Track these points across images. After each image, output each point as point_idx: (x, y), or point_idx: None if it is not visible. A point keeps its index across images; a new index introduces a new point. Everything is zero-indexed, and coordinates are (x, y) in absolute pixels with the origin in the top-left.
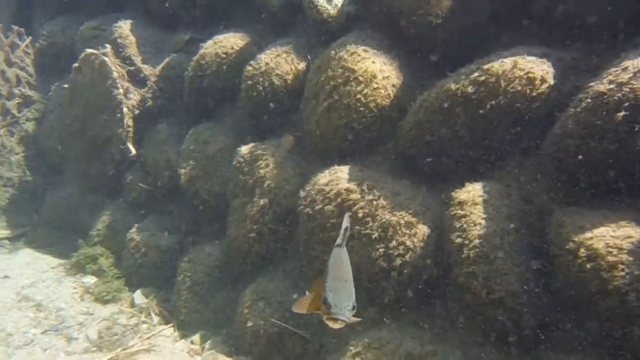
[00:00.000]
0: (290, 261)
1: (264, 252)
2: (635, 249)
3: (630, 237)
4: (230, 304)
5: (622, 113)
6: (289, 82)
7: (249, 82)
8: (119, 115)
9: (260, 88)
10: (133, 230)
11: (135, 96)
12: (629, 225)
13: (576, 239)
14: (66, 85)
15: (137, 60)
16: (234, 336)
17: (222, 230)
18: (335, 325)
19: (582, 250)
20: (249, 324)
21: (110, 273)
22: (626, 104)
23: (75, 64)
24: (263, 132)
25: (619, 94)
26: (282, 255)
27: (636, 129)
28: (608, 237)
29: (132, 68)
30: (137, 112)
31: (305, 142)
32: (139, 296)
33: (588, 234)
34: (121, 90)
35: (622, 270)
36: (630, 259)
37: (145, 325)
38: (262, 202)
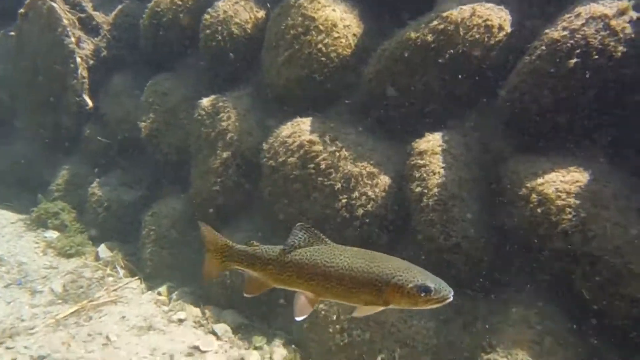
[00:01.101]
0: (255, 213)
1: (228, 204)
2: (583, 192)
3: (578, 181)
4: (196, 256)
5: (574, 60)
6: (249, 31)
7: (207, 31)
8: (72, 65)
9: (219, 37)
10: (94, 184)
11: (88, 45)
12: (578, 170)
13: (529, 185)
14: (12, 33)
15: (88, 6)
16: (201, 287)
17: (185, 184)
18: (437, 306)
19: (533, 195)
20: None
21: (73, 227)
22: (578, 50)
23: (21, 10)
24: (224, 83)
25: (572, 41)
26: (247, 207)
27: (587, 75)
28: (558, 182)
29: (82, 15)
30: (91, 62)
31: (267, 93)
32: (103, 250)
33: (540, 180)
34: (73, 39)
35: (570, 213)
36: (577, 202)
37: (111, 279)
38: (225, 154)
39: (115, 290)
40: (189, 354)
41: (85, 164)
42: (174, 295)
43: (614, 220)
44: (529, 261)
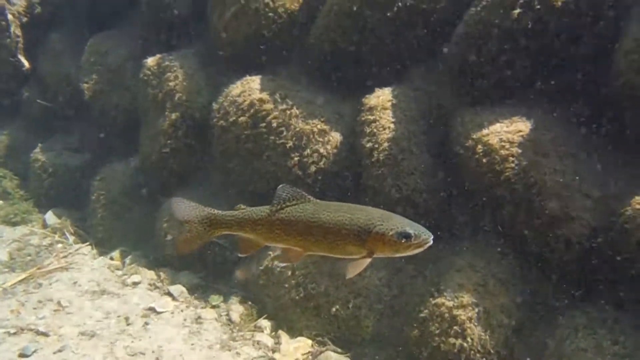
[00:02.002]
0: (207, 174)
1: (179, 166)
2: (524, 141)
3: (521, 131)
4: (148, 220)
5: (518, 10)
6: None
7: None
8: (3, 23)
9: None
10: (37, 150)
11: (20, 2)
12: (521, 120)
13: (474, 136)
14: None
15: None
16: (154, 251)
17: (134, 147)
18: (418, 251)
19: (479, 146)
20: (169, 237)
21: (17, 195)
22: (521, 1)
23: None
24: (169, 41)
25: None
26: (199, 169)
27: (529, 26)
28: (502, 132)
29: None
30: (24, 19)
31: (215, 51)
32: (51, 217)
33: (485, 131)
34: None
35: (512, 162)
36: (520, 151)
37: (60, 245)
38: (174, 116)
39: (65, 256)
40: (145, 315)
41: (25, 128)
42: (127, 260)
43: (552, 166)
44: (476, 210)
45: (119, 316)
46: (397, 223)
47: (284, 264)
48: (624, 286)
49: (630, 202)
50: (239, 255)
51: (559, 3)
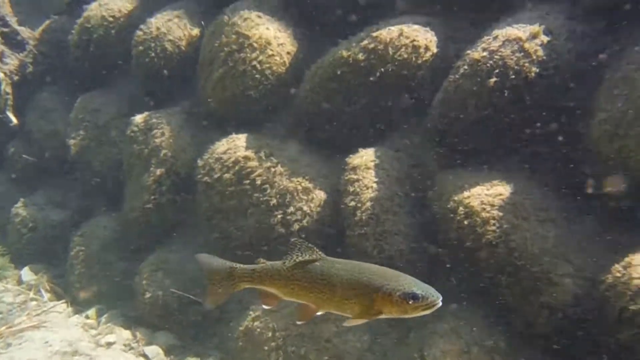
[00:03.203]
0: (190, 231)
1: (162, 222)
2: (505, 205)
3: (501, 194)
4: (128, 277)
5: (494, 79)
6: (183, 48)
7: (140, 47)
8: None
9: (153, 54)
10: (19, 204)
11: (12, 61)
12: (500, 184)
13: (456, 198)
14: None
15: (12, 21)
16: (132, 309)
17: (118, 203)
18: (426, 313)
19: (460, 208)
20: (147, 295)
21: None
22: (497, 70)
23: None
24: (158, 100)
25: (491, 61)
26: (181, 225)
27: (505, 94)
28: (483, 195)
29: (6, 29)
30: (15, 78)
31: (202, 110)
32: (27, 273)
33: (466, 193)
34: None
35: (494, 224)
36: (501, 214)
37: (34, 303)
38: (158, 172)
39: (38, 314)
40: None
41: (9, 183)
42: (102, 318)
43: (533, 230)
44: (459, 272)
45: None
46: (405, 283)
47: (300, 322)
48: (607, 356)
49: (611, 269)
50: (263, 306)
51: (532, 74)
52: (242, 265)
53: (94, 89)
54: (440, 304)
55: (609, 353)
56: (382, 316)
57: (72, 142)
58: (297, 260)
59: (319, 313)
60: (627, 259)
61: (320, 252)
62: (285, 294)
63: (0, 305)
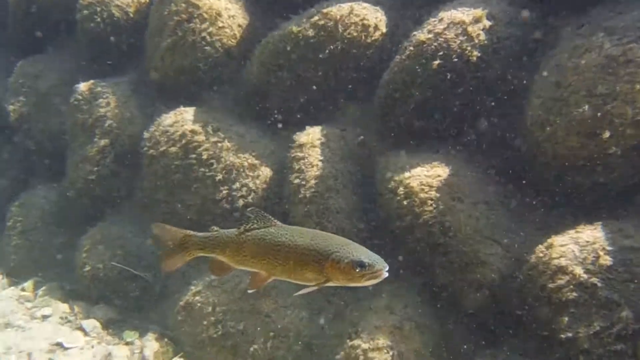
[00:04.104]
0: (134, 204)
1: (105, 195)
2: (442, 186)
3: (439, 175)
4: (67, 250)
5: (437, 61)
6: (131, 15)
7: (85, 11)
8: None
9: (99, 19)
10: None
11: None
12: (440, 165)
13: (397, 178)
14: None
15: None
16: (71, 282)
17: (59, 173)
18: (373, 282)
19: (400, 188)
20: (87, 268)
21: None
22: (441, 52)
23: None
24: (103, 68)
25: (435, 43)
26: (125, 198)
27: (448, 76)
28: (422, 176)
29: None
30: None
31: (150, 80)
32: None
33: (407, 174)
34: None
35: (431, 205)
36: (438, 195)
37: None
38: (102, 142)
39: None
40: (50, 351)
41: None
42: (40, 291)
43: (467, 212)
44: (396, 251)
45: (20, 351)
46: (354, 251)
47: (252, 290)
48: (528, 334)
49: (534, 249)
50: (212, 276)
51: (474, 58)
52: (195, 233)
53: (36, 53)
54: (387, 274)
55: (528, 328)
56: (330, 284)
57: (11, 108)
58: (251, 227)
59: (269, 280)
60: (549, 240)
61: (275, 221)
62: (237, 262)
63: None
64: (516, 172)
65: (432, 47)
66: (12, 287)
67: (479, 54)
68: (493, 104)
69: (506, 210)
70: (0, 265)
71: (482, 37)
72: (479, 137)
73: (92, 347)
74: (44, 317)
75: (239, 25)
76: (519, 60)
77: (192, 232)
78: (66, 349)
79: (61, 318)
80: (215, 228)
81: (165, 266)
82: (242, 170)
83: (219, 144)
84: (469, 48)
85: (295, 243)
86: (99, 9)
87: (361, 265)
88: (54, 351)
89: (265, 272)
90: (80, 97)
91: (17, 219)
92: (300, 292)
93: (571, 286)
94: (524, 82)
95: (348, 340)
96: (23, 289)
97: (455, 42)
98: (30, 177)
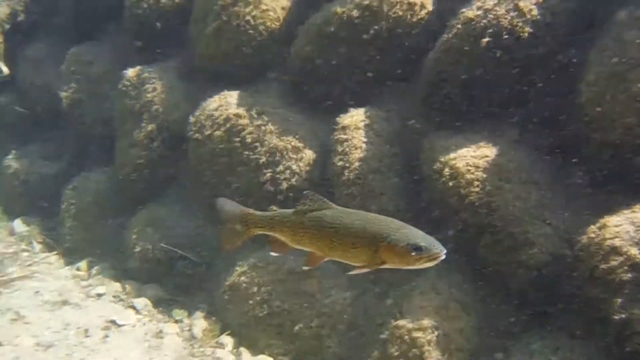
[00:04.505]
0: (181, 187)
1: (153, 178)
2: (490, 166)
3: (486, 156)
4: (118, 231)
5: (487, 39)
6: (177, 0)
7: None
8: None
9: (145, 5)
10: (10, 156)
11: (3, 9)
12: (487, 145)
13: (442, 159)
14: None
15: None
16: (122, 262)
17: (109, 157)
18: (429, 265)
19: (446, 169)
20: (137, 248)
21: None
22: (490, 30)
23: None
24: (150, 53)
25: (485, 20)
26: (172, 181)
27: (497, 54)
28: (469, 156)
29: None
30: (7, 26)
31: (194, 65)
32: (19, 224)
33: (452, 155)
34: None
35: (477, 186)
36: (484, 176)
37: (26, 254)
38: (150, 127)
39: (29, 265)
40: (105, 328)
41: (0, 135)
42: (93, 270)
43: (515, 192)
44: (441, 232)
45: (78, 328)
46: (410, 235)
47: (306, 267)
48: (578, 314)
49: (586, 230)
50: (272, 254)
51: (526, 35)
52: (255, 212)
53: (86, 40)
54: (444, 256)
55: (578, 309)
56: (385, 266)
57: (63, 94)
58: (308, 209)
59: (324, 260)
60: (602, 220)
61: (330, 203)
62: (294, 241)
63: None
64: (567, 151)
65: (481, 24)
66: (68, 267)
67: (531, 30)
68: (544, 81)
69: (556, 190)
70: (57, 245)
71: (535, 12)
72: (528, 116)
73: (144, 324)
74: (98, 296)
75: (282, 8)
76: (574, 35)
77: (252, 211)
78: (120, 325)
79: (114, 297)
80: (274, 208)
81: (225, 243)
82: (285, 153)
83: (263, 127)
84: (520, 24)
85: (351, 225)
86: None
87: (418, 248)
88: (109, 328)
89: (321, 253)
90: (128, 82)
91: (71, 201)
92: (353, 272)
93: (625, 267)
94: (578, 58)
95: (392, 321)
96: (78, 269)
97: (505, 18)
98: (83, 161)
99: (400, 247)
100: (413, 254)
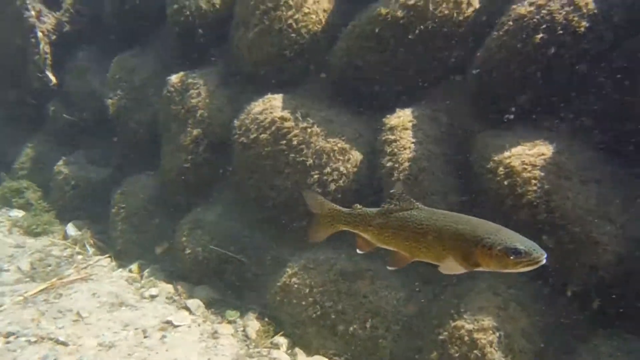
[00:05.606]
0: (227, 190)
1: (199, 182)
2: (547, 165)
3: (543, 154)
4: (167, 234)
5: (540, 35)
6: (218, 6)
7: (175, 5)
8: (33, 40)
9: (187, 13)
10: (60, 163)
11: (50, 20)
12: (543, 143)
13: (496, 158)
14: None
15: None
16: (172, 264)
17: (155, 161)
18: (529, 269)
19: (500, 168)
20: (188, 251)
21: (39, 206)
22: (544, 26)
23: None
24: (193, 59)
25: (538, 16)
26: (219, 184)
27: (552, 51)
28: (524, 155)
29: None
30: (53, 37)
31: (237, 70)
32: (71, 228)
33: (507, 153)
34: (33, 13)
35: (535, 185)
36: (542, 174)
37: (80, 257)
38: (195, 132)
39: (85, 268)
40: (162, 329)
41: (50, 142)
42: (145, 272)
43: (575, 191)
44: None
45: (136, 328)
46: (507, 237)
47: (392, 268)
48: None
49: None
50: (358, 251)
51: (582, 29)
52: (341, 208)
53: (130, 48)
54: (545, 260)
55: None
56: (479, 269)
57: (110, 102)
58: (394, 209)
59: (411, 261)
60: None
61: (417, 203)
62: (379, 240)
63: (50, 258)
64: (630, 148)
65: (534, 20)
66: (121, 269)
67: (587, 24)
68: (604, 76)
69: (619, 188)
70: (109, 248)
71: (591, 5)
72: (588, 112)
73: (199, 325)
74: (152, 297)
75: (324, 10)
76: (634, 27)
77: (338, 207)
78: (176, 326)
79: (167, 298)
80: (359, 206)
81: (312, 236)
82: (332, 154)
83: (309, 130)
84: (575, 19)
85: (441, 227)
86: (187, 2)
87: (516, 252)
88: (165, 328)
89: (408, 254)
90: (172, 88)
91: (120, 205)
92: (445, 272)
93: None
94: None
95: (450, 321)
96: (130, 271)
97: (560, 13)
98: (129, 166)
99: (498, 251)
100: (512, 257)
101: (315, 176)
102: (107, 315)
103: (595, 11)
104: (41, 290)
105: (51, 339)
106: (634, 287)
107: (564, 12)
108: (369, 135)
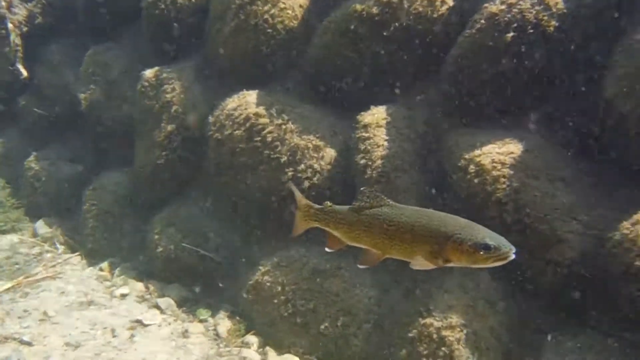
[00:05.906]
0: (201, 187)
1: (173, 178)
2: (516, 163)
3: (512, 152)
4: (139, 231)
5: (511, 34)
6: (194, 0)
7: None
8: (3, 31)
9: (163, 6)
10: (31, 158)
11: (21, 11)
12: (512, 142)
13: (467, 156)
14: None
15: None
16: (144, 262)
17: (129, 158)
18: (498, 264)
19: (471, 166)
20: (160, 249)
21: (8, 203)
22: (514, 24)
23: None
24: (168, 54)
25: (509, 15)
26: (193, 181)
27: (522, 49)
28: (494, 153)
29: None
30: (25, 29)
31: (212, 65)
32: (41, 226)
33: (477, 152)
34: (3, 4)
35: (504, 183)
36: (511, 172)
37: (49, 255)
38: (169, 128)
39: (53, 266)
40: (131, 328)
41: (20, 137)
42: (116, 271)
43: (543, 189)
44: None
45: (105, 328)
46: (477, 233)
47: (363, 266)
48: (612, 312)
49: (618, 226)
50: (327, 249)
51: (551, 29)
52: (314, 205)
53: (104, 41)
54: (514, 256)
55: (612, 308)
56: (450, 264)
57: (82, 96)
58: (365, 206)
59: (382, 258)
60: (635, 216)
61: (388, 200)
62: (350, 238)
63: (17, 256)
64: (595, 147)
65: (506, 18)
66: (91, 267)
67: (557, 24)
68: (571, 76)
69: (584, 187)
70: (79, 246)
71: (561, 5)
72: (556, 111)
73: (169, 324)
74: (122, 296)
75: (300, 6)
76: (602, 28)
77: (311, 203)
78: (146, 325)
79: (138, 297)
80: (329, 203)
81: (295, 230)
82: (306, 151)
83: (283, 126)
84: (545, 18)
85: (413, 223)
86: None
87: (486, 247)
88: (134, 327)
89: (380, 251)
90: (146, 83)
91: (92, 202)
92: (416, 267)
93: None
94: (606, 51)
95: (420, 319)
96: (101, 269)
97: (531, 12)
98: (102, 162)
99: (468, 246)
100: (481, 253)
101: (290, 173)
102: (75, 314)
103: (565, 10)
104: (7, 289)
105: (15, 339)
106: (597, 284)
107: (534, 11)
108: (344, 133)
